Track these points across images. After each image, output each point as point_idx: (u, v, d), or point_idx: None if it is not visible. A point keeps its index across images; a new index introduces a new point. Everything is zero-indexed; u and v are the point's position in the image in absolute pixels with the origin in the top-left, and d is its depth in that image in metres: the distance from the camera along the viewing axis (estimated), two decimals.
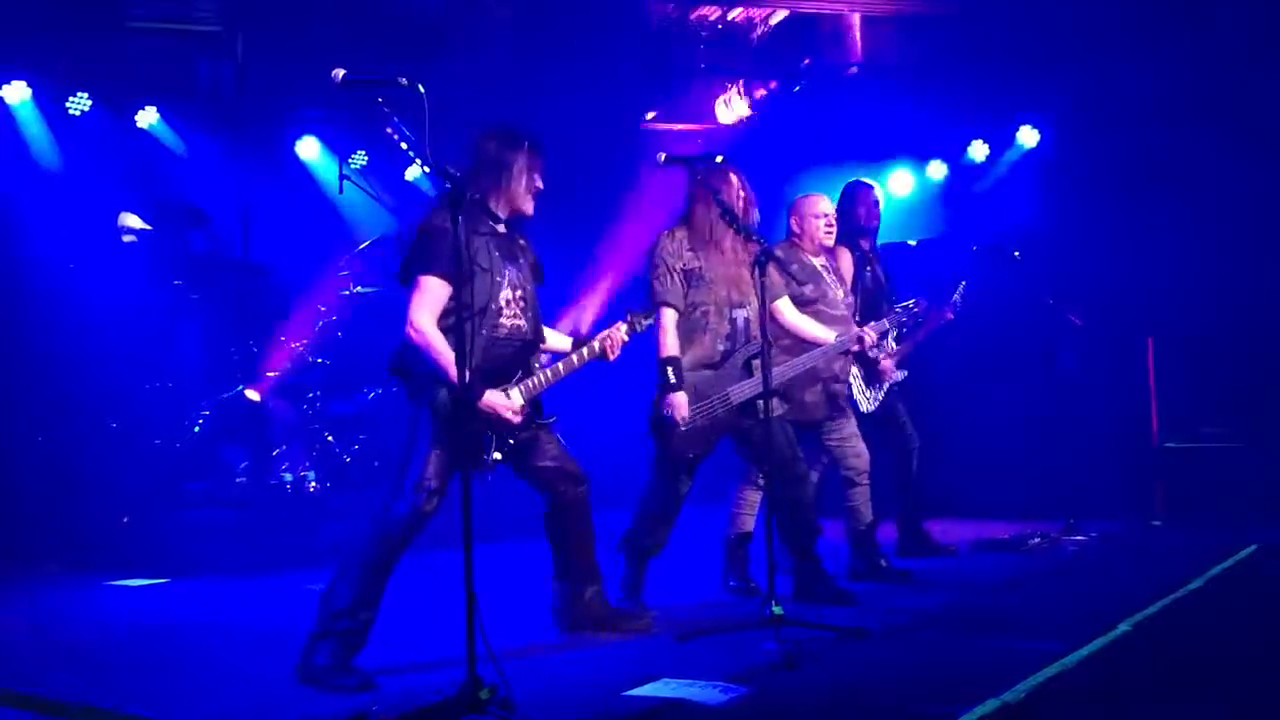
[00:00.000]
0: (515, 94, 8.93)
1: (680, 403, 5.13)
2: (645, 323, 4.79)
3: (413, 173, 9.55)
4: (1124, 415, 8.25)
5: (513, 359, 4.44)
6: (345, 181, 8.70)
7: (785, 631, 4.62)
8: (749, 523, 5.88)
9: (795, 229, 6.11)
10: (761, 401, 5.00)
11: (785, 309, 5.52)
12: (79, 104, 8.03)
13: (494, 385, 4.37)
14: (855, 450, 6.08)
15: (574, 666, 4.43)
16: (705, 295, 5.24)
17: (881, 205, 6.76)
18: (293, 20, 8.02)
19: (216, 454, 7.74)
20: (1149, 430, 8.21)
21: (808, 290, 5.80)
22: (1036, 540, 7.03)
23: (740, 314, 5.29)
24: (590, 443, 6.13)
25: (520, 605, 5.60)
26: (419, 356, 4.29)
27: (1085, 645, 4.35)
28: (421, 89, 3.85)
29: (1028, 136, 9.23)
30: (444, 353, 4.20)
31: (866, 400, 6.52)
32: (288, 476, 7.81)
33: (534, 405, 4.53)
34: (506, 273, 4.41)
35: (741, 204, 5.24)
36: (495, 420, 4.35)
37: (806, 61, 9.42)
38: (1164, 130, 8.34)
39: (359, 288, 8.33)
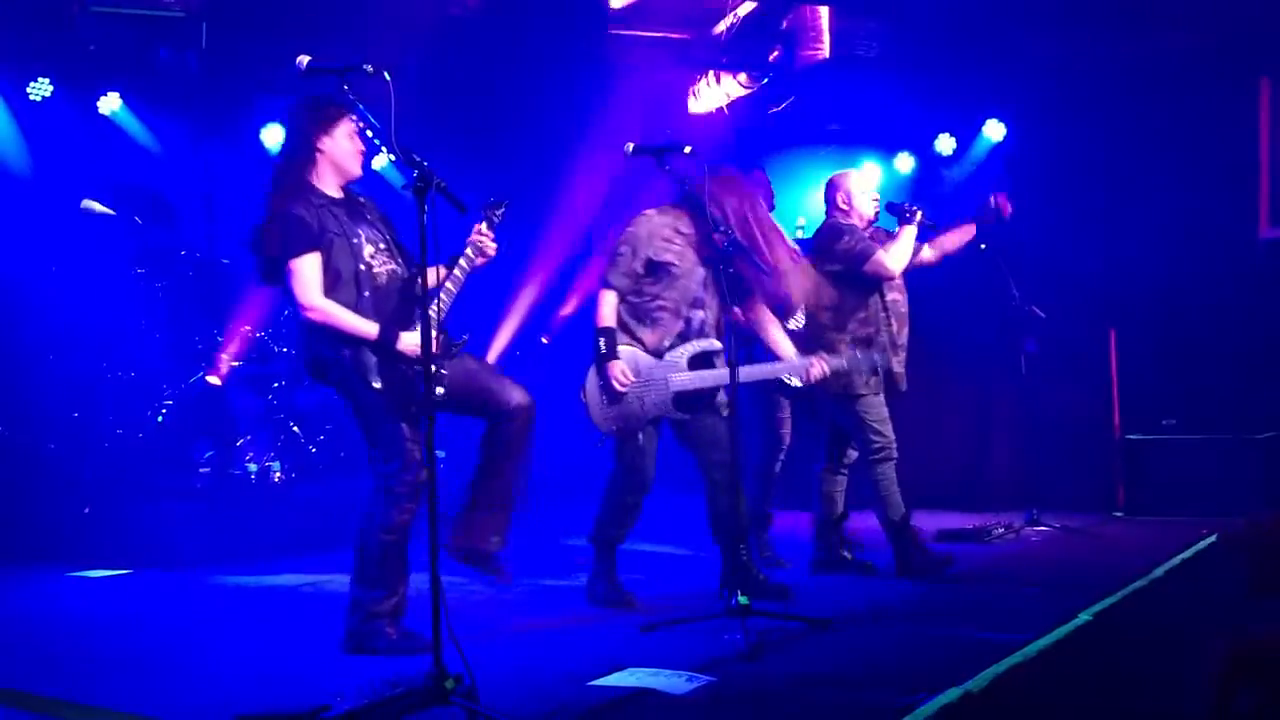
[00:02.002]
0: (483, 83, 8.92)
1: (617, 368, 5.14)
2: (498, 213, 4.65)
3: (379, 161, 9.49)
4: (1086, 407, 8.32)
5: (403, 302, 4.51)
6: None
7: (751, 622, 4.63)
8: (840, 501, 6.04)
9: (842, 205, 6.08)
10: (720, 396, 5.10)
11: (757, 310, 5.46)
12: (40, 89, 7.92)
13: (407, 328, 4.41)
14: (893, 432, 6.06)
15: (540, 656, 4.43)
16: (666, 290, 5.24)
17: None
18: (257, 7, 7.95)
19: (180, 444, 7.67)
20: (1111, 422, 8.28)
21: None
22: (1000, 531, 7.08)
23: (698, 315, 5.30)
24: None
25: (486, 593, 5.60)
26: (327, 340, 4.39)
27: (1047, 635, 4.39)
28: (387, 76, 3.83)
29: (994, 130, 9.28)
30: (347, 317, 4.35)
31: (793, 379, 6.32)
32: (252, 467, 7.75)
33: (443, 333, 4.54)
34: (361, 231, 4.50)
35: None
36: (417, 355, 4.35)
37: (775, 54, 9.41)
38: (1128, 124, 8.41)
39: None
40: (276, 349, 8.06)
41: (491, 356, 8.80)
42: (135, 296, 7.66)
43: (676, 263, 5.24)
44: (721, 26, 8.66)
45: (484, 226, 4.56)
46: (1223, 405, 7.95)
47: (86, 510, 6.98)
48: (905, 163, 9.78)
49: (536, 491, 7.96)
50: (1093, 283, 8.37)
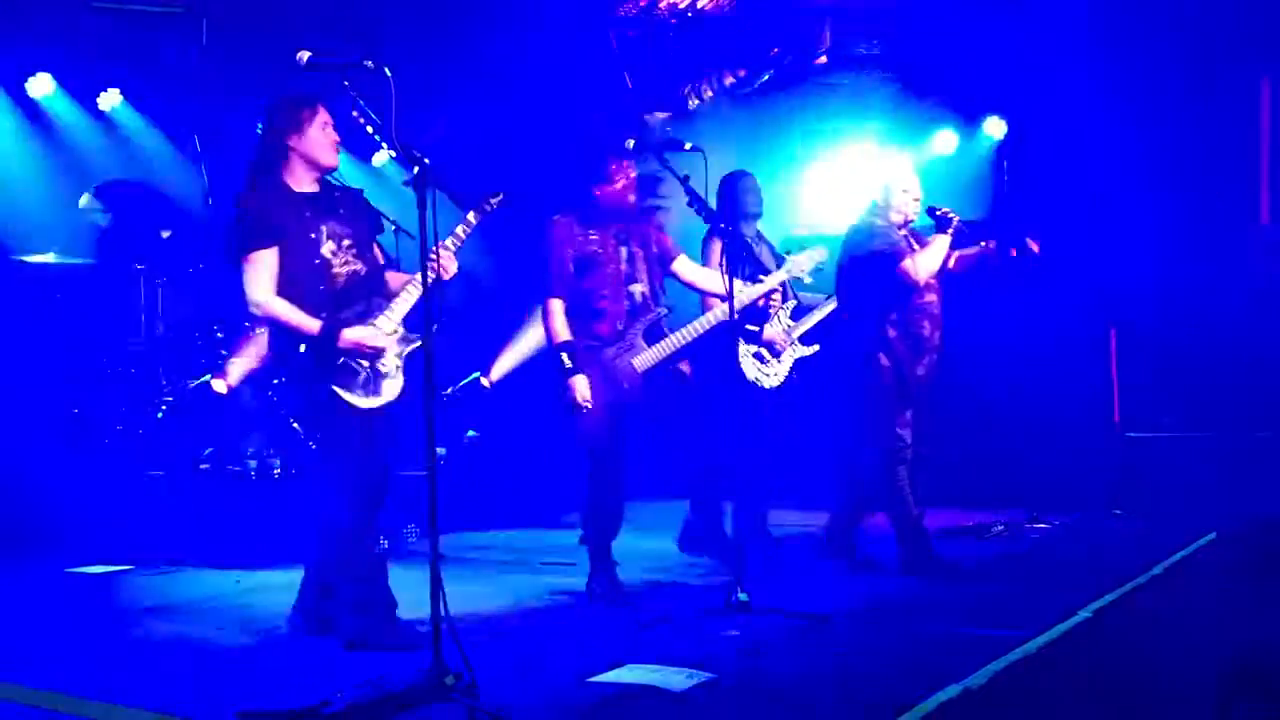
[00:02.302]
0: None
1: (581, 385, 5.21)
2: (493, 202, 4.73)
3: (380, 157, 9.48)
4: (1086, 404, 8.32)
5: (360, 298, 4.54)
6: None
7: (750, 618, 4.64)
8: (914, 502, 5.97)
9: (881, 201, 6.05)
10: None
11: (683, 267, 5.57)
12: (41, 85, 7.91)
13: (351, 325, 4.43)
14: (913, 434, 6.05)
15: (539, 652, 4.43)
16: (599, 278, 5.33)
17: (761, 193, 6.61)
18: (258, 2, 7.94)
19: (179, 441, 7.67)
20: (1111, 420, 8.28)
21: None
22: (999, 529, 7.09)
23: (636, 289, 5.40)
24: None
25: (486, 590, 5.61)
26: (285, 336, 4.43)
27: (1047, 632, 4.39)
28: (388, 71, 3.82)
29: (994, 127, 9.27)
30: (288, 311, 4.38)
31: (766, 377, 6.49)
32: (252, 464, 7.74)
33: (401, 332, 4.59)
34: (324, 227, 4.50)
35: (625, 185, 5.33)
36: (367, 353, 4.43)
37: (775, 51, 9.41)
38: (1129, 122, 8.41)
39: None
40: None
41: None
42: (135, 293, 7.65)
43: (599, 250, 5.34)
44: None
45: (449, 242, 4.59)
46: (1222, 403, 7.95)
47: (87, 507, 6.97)
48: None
49: (533, 487, 7.97)
50: (1093, 280, 8.37)
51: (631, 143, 5.09)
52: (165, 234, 7.94)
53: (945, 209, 6.03)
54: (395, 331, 4.51)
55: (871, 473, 6.02)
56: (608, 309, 5.34)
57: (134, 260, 7.70)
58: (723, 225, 5.11)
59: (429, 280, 4.10)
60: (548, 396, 6.06)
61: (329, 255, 4.49)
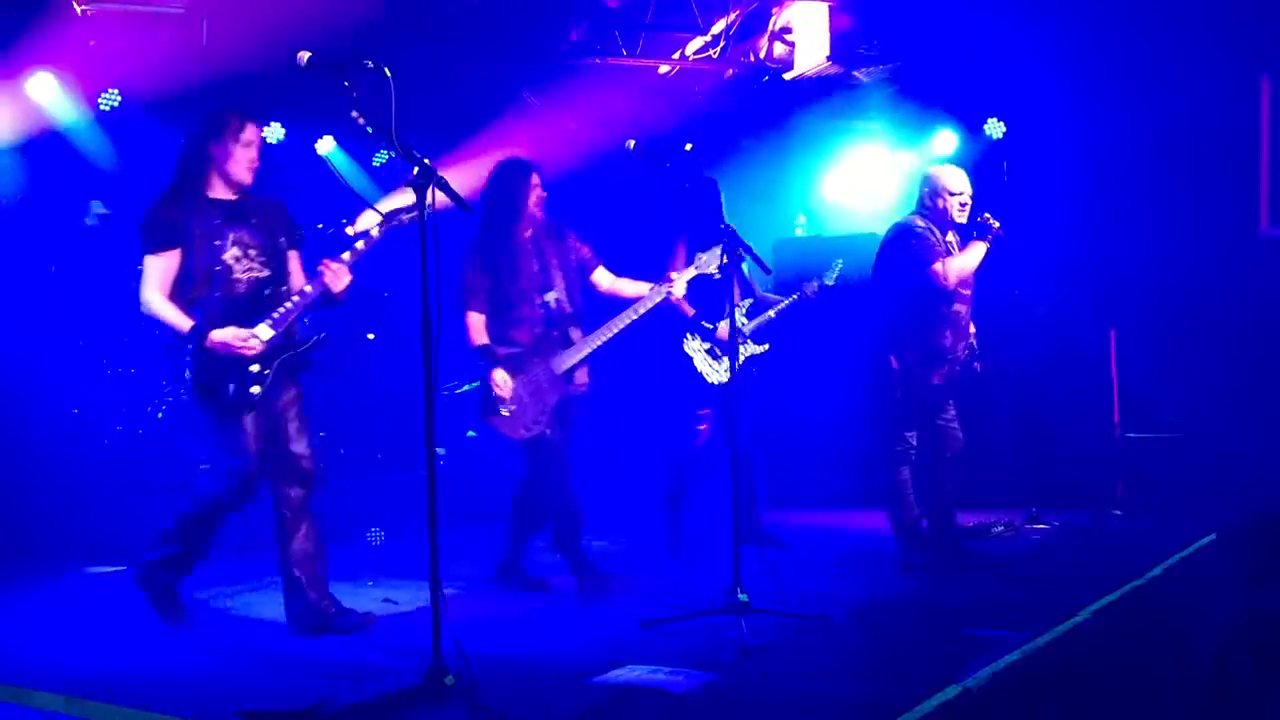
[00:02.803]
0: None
1: (501, 379, 5.43)
2: (360, 249, 4.85)
3: (380, 157, 9.49)
4: (1086, 405, 8.32)
5: (260, 305, 4.75)
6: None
7: (750, 619, 4.64)
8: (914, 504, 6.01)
9: (927, 203, 6.01)
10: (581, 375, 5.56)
11: (601, 277, 5.76)
12: (40, 88, 7.90)
13: (245, 324, 4.67)
14: (956, 434, 6.06)
15: (539, 652, 4.44)
16: (514, 286, 5.53)
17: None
18: (258, 4, 7.94)
19: (180, 441, 7.67)
20: (1110, 420, 8.28)
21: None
22: (999, 529, 7.09)
23: (550, 296, 5.60)
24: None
25: (485, 591, 5.61)
26: (164, 334, 4.71)
27: (1046, 632, 4.39)
28: (388, 72, 3.82)
29: (994, 128, 9.27)
30: (166, 311, 4.68)
31: (714, 372, 6.64)
32: None
33: (289, 337, 4.81)
34: (231, 234, 4.74)
35: (535, 200, 5.54)
36: (235, 354, 4.63)
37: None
38: (1128, 122, 8.41)
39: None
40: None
41: None
42: (135, 293, 7.63)
43: (515, 261, 5.54)
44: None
45: (345, 256, 4.73)
46: (1222, 403, 7.95)
47: (85, 507, 6.96)
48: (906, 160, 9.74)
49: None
50: (1093, 281, 8.37)
51: (632, 143, 5.08)
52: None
53: (987, 216, 5.94)
54: (272, 337, 4.70)
55: (878, 471, 6.05)
56: (524, 315, 5.52)
57: (134, 261, 7.68)
58: (723, 226, 5.10)
59: (426, 288, 4.03)
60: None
61: (231, 262, 4.73)
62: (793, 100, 9.22)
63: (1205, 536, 6.44)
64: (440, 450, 7.93)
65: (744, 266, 6.94)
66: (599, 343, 5.60)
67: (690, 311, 6.63)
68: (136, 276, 7.51)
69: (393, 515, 7.28)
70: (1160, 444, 8.04)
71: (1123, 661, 4.16)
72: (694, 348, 6.67)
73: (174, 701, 3.83)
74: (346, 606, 4.90)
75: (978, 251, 5.89)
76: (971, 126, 9.37)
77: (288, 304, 4.75)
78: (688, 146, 5.18)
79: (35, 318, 7.40)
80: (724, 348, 6.63)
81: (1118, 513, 7.86)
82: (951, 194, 5.94)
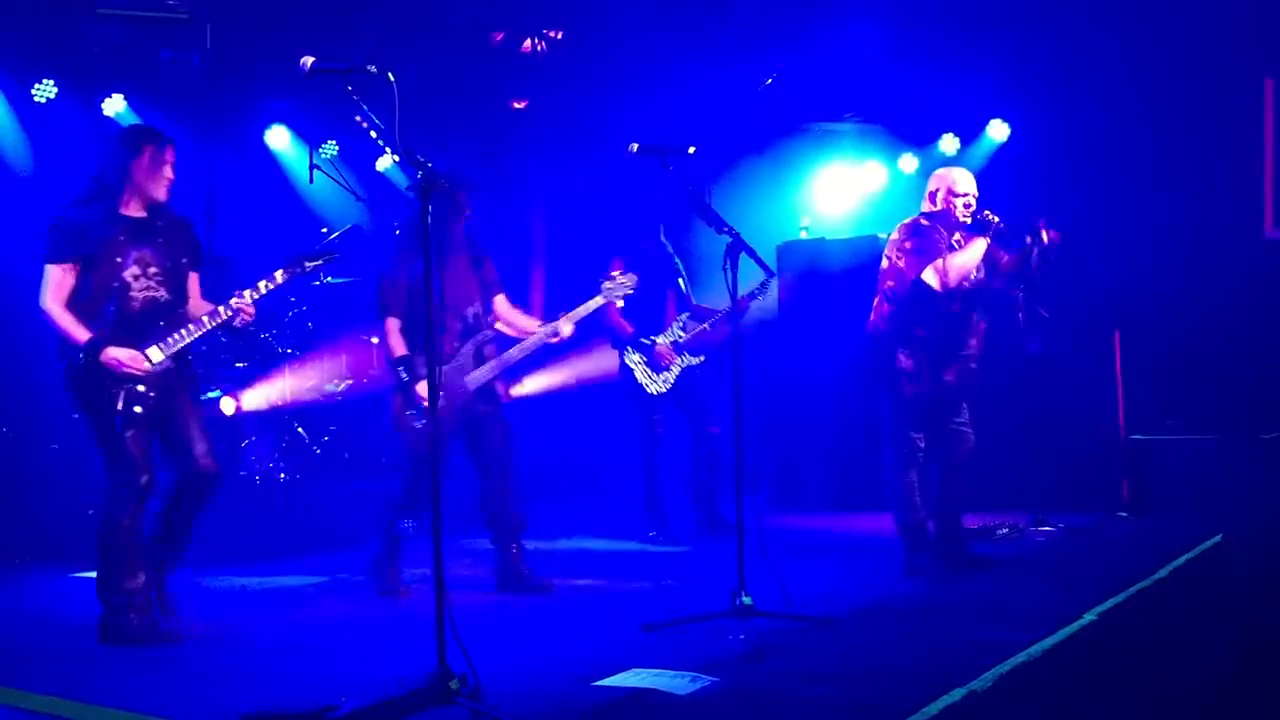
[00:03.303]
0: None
1: (424, 389, 5.54)
2: (310, 265, 5.13)
3: (384, 162, 9.50)
4: (1091, 407, 8.30)
5: (152, 325, 4.89)
6: (315, 171, 8.67)
7: (754, 621, 4.63)
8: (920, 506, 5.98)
9: (933, 202, 5.95)
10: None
11: (500, 304, 5.98)
12: (45, 91, 7.92)
13: (136, 346, 4.80)
14: (968, 437, 6.03)
15: (543, 656, 4.43)
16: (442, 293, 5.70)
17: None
18: (261, 8, 7.96)
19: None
20: (1116, 422, 8.26)
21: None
22: (1004, 531, 7.07)
23: (470, 310, 5.82)
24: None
25: (488, 595, 5.61)
26: (69, 346, 4.81)
27: (1052, 635, 4.38)
28: (391, 77, 3.82)
29: (998, 130, 9.28)
30: (64, 321, 4.80)
31: (653, 383, 7.15)
32: (257, 468, 7.76)
33: (182, 362, 4.98)
34: (134, 253, 4.88)
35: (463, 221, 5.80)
36: (125, 373, 4.77)
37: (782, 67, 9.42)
38: (1132, 125, 8.41)
39: (329, 278, 8.29)
40: (280, 350, 8.07)
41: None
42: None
43: (439, 272, 5.69)
44: None
45: (248, 294, 4.95)
46: (1227, 405, 7.94)
47: (90, 511, 6.97)
48: (909, 163, 9.78)
49: (533, 492, 7.98)
50: (1097, 283, 8.36)
51: (635, 146, 5.07)
52: None
53: (987, 212, 5.89)
54: (162, 361, 4.85)
55: (885, 473, 6.04)
56: (447, 328, 5.70)
57: None
58: (727, 229, 5.09)
59: (430, 291, 4.10)
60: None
61: (130, 280, 4.86)
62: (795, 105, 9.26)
63: (1211, 538, 6.44)
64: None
65: (680, 281, 7.43)
66: (513, 360, 5.89)
67: (629, 329, 7.14)
68: None
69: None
70: (1165, 446, 8.02)
71: (1129, 664, 4.15)
72: (634, 360, 7.15)
73: (177, 706, 3.83)
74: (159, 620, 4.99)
75: (978, 248, 5.84)
76: (973, 130, 9.38)
77: (183, 331, 4.91)
78: (691, 149, 5.16)
79: (39, 323, 7.40)
80: (660, 362, 7.18)
81: (1123, 515, 7.84)
82: (957, 195, 5.89)
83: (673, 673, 4.01)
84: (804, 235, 9.60)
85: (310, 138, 9.04)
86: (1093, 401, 8.31)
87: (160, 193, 4.96)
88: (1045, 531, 7.24)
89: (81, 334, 4.77)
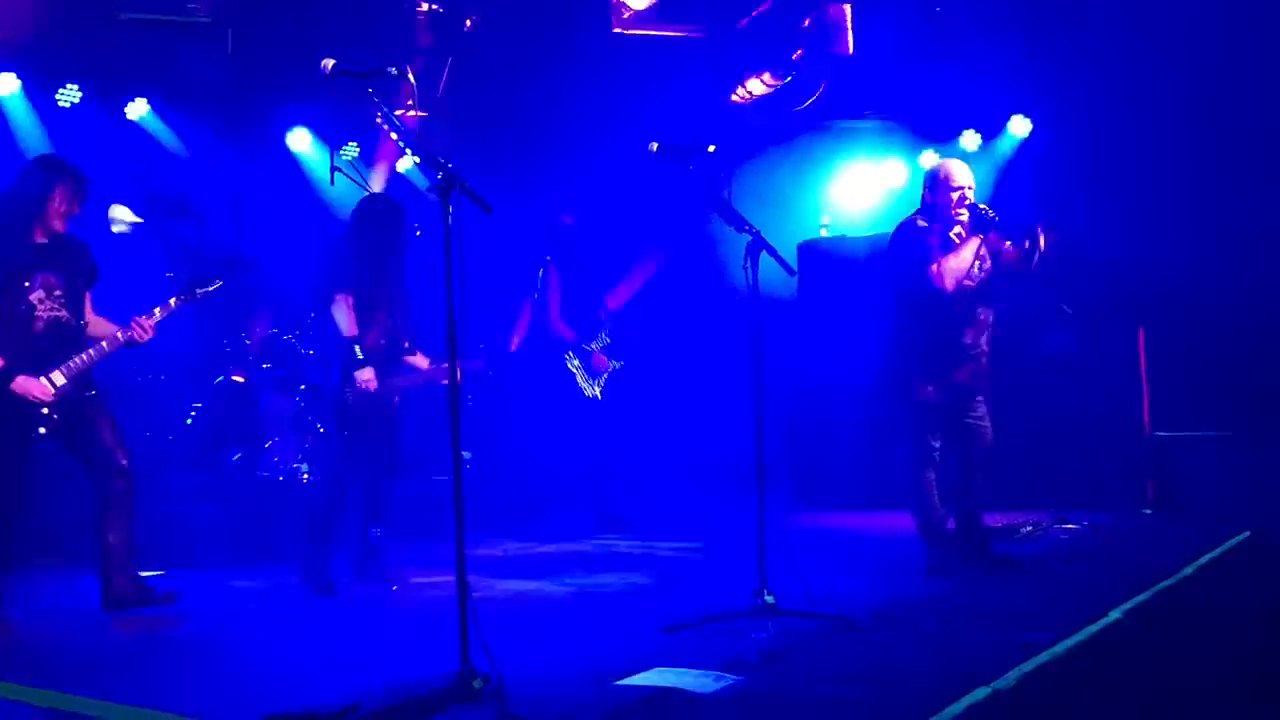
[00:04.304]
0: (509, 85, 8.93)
1: (369, 376, 5.86)
2: (203, 292, 5.43)
3: (404, 164, 9.53)
4: (1115, 404, 8.26)
5: (56, 346, 5.12)
6: (336, 173, 8.70)
7: (776, 620, 4.63)
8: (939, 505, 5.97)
9: (930, 198, 5.91)
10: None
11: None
12: (69, 95, 7.99)
13: (41, 370, 5.05)
14: (986, 432, 6.00)
15: (567, 656, 4.44)
16: (379, 289, 5.98)
17: None
18: (283, 12, 8.00)
19: (208, 447, 7.72)
20: (1140, 419, 8.22)
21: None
22: (1028, 529, 7.04)
23: (400, 317, 6.08)
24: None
25: (510, 594, 5.62)
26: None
27: (1076, 633, 4.36)
28: (411, 79, 3.84)
29: (1019, 126, 9.23)
30: None
31: (589, 387, 7.51)
32: (280, 469, 7.80)
33: (82, 382, 5.17)
34: (38, 276, 5.10)
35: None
36: (32, 400, 5.02)
37: (798, 54, 9.40)
38: (1157, 119, 8.35)
39: None
40: (303, 350, 8.11)
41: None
42: (164, 300, 7.69)
43: (393, 258, 6.03)
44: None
45: (156, 312, 5.25)
46: (1252, 402, 7.87)
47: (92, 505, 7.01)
48: (930, 160, 9.74)
49: (551, 493, 8.01)
50: (1121, 279, 8.31)
51: (655, 146, 5.07)
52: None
53: (983, 207, 5.83)
54: (64, 386, 5.07)
55: (901, 474, 6.02)
56: (378, 319, 5.99)
57: (163, 268, 7.76)
58: (748, 227, 5.09)
59: (457, 296, 4.18)
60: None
61: (36, 303, 5.08)
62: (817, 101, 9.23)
63: (1238, 535, 6.39)
64: (466, 454, 7.99)
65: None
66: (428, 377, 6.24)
67: (571, 334, 7.46)
68: (164, 283, 7.69)
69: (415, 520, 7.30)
70: (1190, 443, 7.97)
71: (1155, 663, 4.12)
72: (574, 366, 7.49)
73: (202, 705, 3.85)
74: (148, 585, 5.30)
75: (969, 249, 5.79)
76: (995, 126, 9.34)
77: (84, 355, 5.14)
78: (710, 148, 5.15)
79: None
80: (594, 369, 7.57)
81: (1147, 512, 7.80)
82: (952, 188, 5.84)
83: (696, 672, 4.01)
84: (824, 234, 9.59)
85: (331, 140, 9.07)
86: (1117, 398, 8.27)
87: (60, 226, 5.19)
88: (1069, 530, 7.20)
89: None
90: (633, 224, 9.21)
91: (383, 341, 6.05)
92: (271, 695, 3.90)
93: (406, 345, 6.17)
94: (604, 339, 7.59)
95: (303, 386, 8.04)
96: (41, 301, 5.11)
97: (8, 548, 5.14)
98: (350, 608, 5.56)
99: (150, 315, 5.26)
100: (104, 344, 5.20)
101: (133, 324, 5.22)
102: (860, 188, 9.90)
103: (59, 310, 5.16)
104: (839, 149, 9.83)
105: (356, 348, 5.88)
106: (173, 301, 5.34)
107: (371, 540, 6.09)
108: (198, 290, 5.41)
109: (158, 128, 8.58)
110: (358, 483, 6.09)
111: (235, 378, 7.76)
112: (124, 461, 5.26)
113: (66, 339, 5.17)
